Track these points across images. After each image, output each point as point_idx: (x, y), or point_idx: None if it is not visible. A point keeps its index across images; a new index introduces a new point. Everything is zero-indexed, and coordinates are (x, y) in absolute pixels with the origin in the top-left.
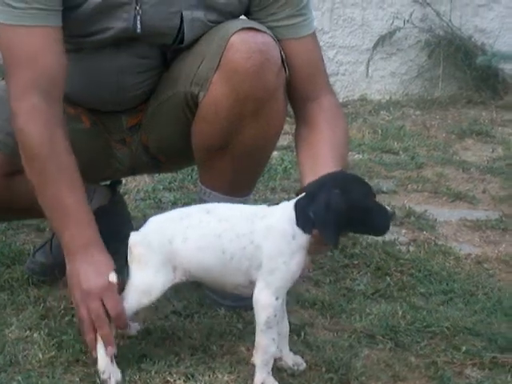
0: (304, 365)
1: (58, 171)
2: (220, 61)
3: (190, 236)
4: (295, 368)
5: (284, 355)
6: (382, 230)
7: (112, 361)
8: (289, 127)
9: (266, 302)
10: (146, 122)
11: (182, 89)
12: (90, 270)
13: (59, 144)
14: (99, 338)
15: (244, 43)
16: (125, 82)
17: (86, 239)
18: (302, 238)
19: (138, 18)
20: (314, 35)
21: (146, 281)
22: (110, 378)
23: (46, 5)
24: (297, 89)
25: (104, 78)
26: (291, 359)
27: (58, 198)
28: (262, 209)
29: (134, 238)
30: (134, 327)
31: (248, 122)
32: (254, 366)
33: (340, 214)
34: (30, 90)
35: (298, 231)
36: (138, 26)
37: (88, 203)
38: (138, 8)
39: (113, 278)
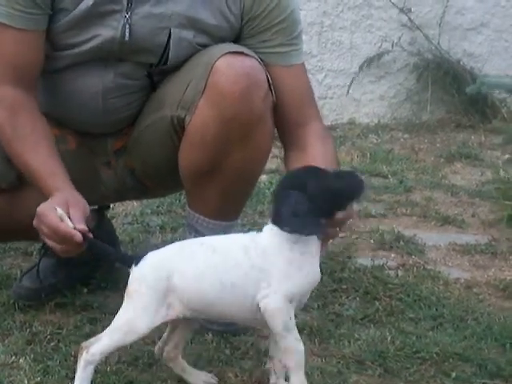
0: None
1: (19, 145)
2: (206, 85)
3: (186, 270)
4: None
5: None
6: (355, 192)
7: None
8: (277, 151)
9: (277, 306)
10: (131, 145)
11: (169, 112)
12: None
13: (21, 126)
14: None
15: (230, 67)
16: (110, 104)
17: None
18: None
19: (127, 26)
20: (303, 66)
21: (133, 320)
22: None
23: (27, 7)
24: (286, 116)
25: (89, 100)
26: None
27: (27, 168)
28: (250, 234)
29: (133, 274)
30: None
31: (235, 146)
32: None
33: (304, 208)
34: (0, 81)
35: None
36: (127, 34)
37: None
38: (127, 16)
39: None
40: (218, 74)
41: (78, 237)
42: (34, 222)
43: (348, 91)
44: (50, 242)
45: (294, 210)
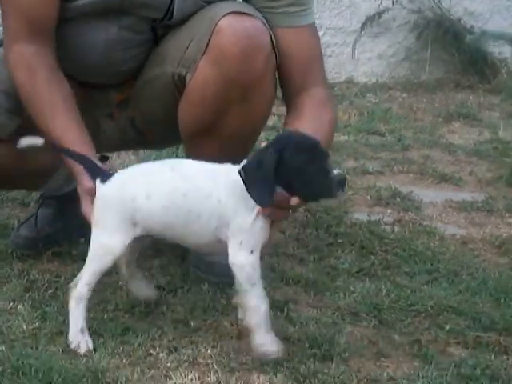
0: None
1: (38, 107)
2: (208, 44)
3: (153, 193)
4: None
5: None
6: (323, 192)
7: (83, 331)
8: (275, 108)
9: (241, 260)
10: (133, 97)
11: (170, 69)
12: None
13: (39, 84)
14: (71, 310)
15: (233, 27)
16: (114, 57)
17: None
18: None
19: None
20: (313, 26)
21: (105, 243)
22: (78, 346)
23: None
24: (291, 79)
25: (93, 52)
26: None
27: (47, 131)
28: (226, 167)
29: (99, 193)
30: (145, 290)
31: (235, 106)
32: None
33: (267, 172)
34: (17, 39)
35: None
36: None
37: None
38: None
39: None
40: (221, 33)
41: None
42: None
43: (353, 50)
44: None
45: (257, 167)
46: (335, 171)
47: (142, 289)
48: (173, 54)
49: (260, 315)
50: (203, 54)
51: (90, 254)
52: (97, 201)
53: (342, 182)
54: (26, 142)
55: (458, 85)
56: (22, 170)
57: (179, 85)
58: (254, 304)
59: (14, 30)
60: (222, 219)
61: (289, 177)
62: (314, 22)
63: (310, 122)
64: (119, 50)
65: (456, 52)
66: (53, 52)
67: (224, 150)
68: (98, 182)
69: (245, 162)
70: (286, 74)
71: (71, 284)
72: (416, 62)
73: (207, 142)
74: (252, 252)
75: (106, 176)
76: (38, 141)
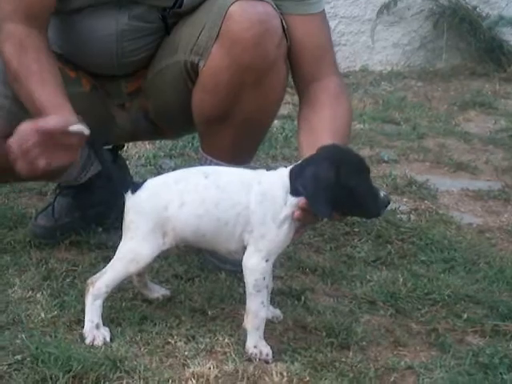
0: (281, 316)
1: (26, 78)
2: (219, 30)
3: (186, 201)
4: (275, 320)
5: None
6: (370, 213)
7: (98, 327)
8: (290, 97)
9: (255, 265)
10: (145, 88)
11: (182, 57)
12: None
13: (29, 63)
14: (87, 306)
15: (244, 13)
16: (125, 47)
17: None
18: (294, 206)
19: None
20: (323, 14)
21: (134, 249)
22: (94, 340)
23: None
24: (302, 69)
25: (104, 42)
26: (271, 312)
27: (33, 103)
28: (259, 174)
29: (129, 202)
30: (158, 290)
31: (248, 92)
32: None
33: (328, 185)
34: (11, 18)
35: (291, 198)
36: None
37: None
38: None
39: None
40: (232, 19)
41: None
42: (13, 140)
43: (372, 38)
44: (45, 153)
45: (317, 175)
46: (382, 193)
47: (155, 291)
48: (184, 42)
49: (257, 321)
50: (215, 40)
51: (116, 256)
52: (128, 210)
53: (387, 204)
54: (75, 127)
55: (474, 73)
56: None
57: (192, 73)
58: (254, 309)
59: (8, 11)
60: (247, 225)
61: (340, 194)
62: (324, 11)
63: (328, 117)
64: (130, 40)
65: (472, 40)
66: (45, 38)
67: (238, 137)
68: (128, 193)
69: (294, 165)
70: (298, 63)
71: (89, 280)
72: (431, 50)
73: (221, 129)
74: (267, 260)
75: (136, 186)
76: (85, 131)
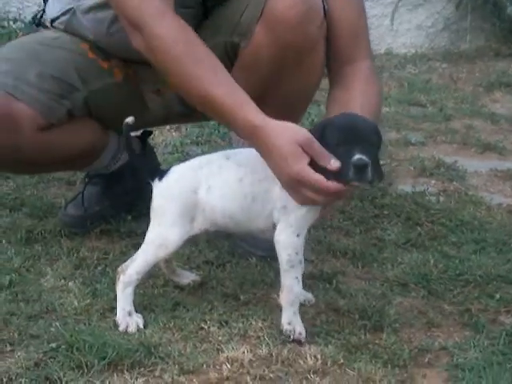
0: (313, 299)
1: (195, 65)
2: (263, 10)
3: (212, 184)
4: (307, 303)
5: None
6: (336, 175)
7: (131, 314)
8: None
9: (287, 240)
10: None
11: (223, 38)
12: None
13: (193, 41)
14: (118, 294)
15: None
16: None
17: (254, 119)
18: None
19: None
20: (361, 0)
21: (162, 234)
22: (127, 327)
23: None
24: (338, 50)
25: None
26: (303, 296)
27: (205, 93)
28: None
29: (157, 188)
30: (187, 275)
31: (288, 71)
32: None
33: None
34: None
35: None
36: None
37: (120, 155)
38: None
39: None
40: None
41: (341, 188)
42: (290, 186)
43: (392, 21)
44: (313, 200)
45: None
46: (357, 156)
47: (185, 277)
48: (226, 23)
49: (292, 295)
50: (258, 19)
51: (145, 243)
52: (156, 196)
53: (358, 168)
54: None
55: (499, 54)
56: (70, 152)
57: (231, 55)
58: (288, 284)
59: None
60: (276, 201)
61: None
62: None
63: (359, 95)
64: None
65: (496, 21)
66: None
67: (275, 117)
68: (155, 180)
69: None
70: (334, 44)
71: (119, 268)
72: (455, 31)
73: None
74: (298, 235)
75: (162, 173)
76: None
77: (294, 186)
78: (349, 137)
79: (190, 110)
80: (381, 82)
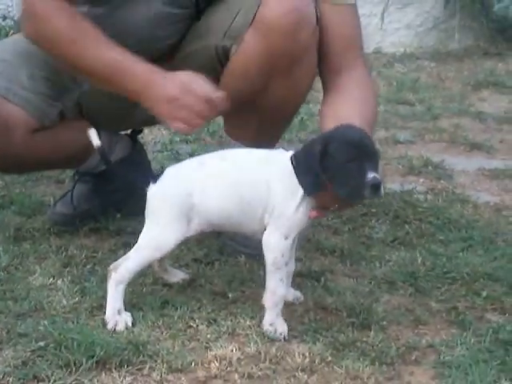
0: (302, 297)
1: (87, 41)
2: (255, 16)
3: (208, 186)
4: (295, 301)
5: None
6: (353, 192)
7: (120, 312)
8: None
9: (274, 243)
10: (173, 71)
11: (214, 41)
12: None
13: (83, 27)
14: (109, 292)
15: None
16: (157, 32)
17: (147, 72)
18: None
19: None
20: (355, 7)
21: (158, 236)
22: (116, 325)
23: None
24: (331, 58)
25: (136, 28)
26: (292, 294)
27: (100, 58)
28: (277, 153)
29: (152, 189)
30: (177, 274)
31: (278, 79)
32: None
33: (314, 158)
34: None
35: None
36: None
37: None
38: None
39: None
40: (268, 5)
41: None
42: (177, 92)
43: (382, 20)
44: (194, 111)
45: (305, 155)
46: (371, 175)
47: (175, 275)
48: (218, 26)
49: (275, 297)
50: (250, 25)
51: (140, 243)
52: (151, 198)
53: (375, 187)
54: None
55: (487, 53)
56: (62, 153)
57: (222, 58)
58: (272, 286)
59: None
60: (268, 205)
61: (331, 170)
62: (356, 4)
63: (356, 104)
64: (162, 26)
65: (484, 20)
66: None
67: (263, 124)
68: (150, 185)
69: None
70: (327, 52)
71: (111, 266)
72: (444, 30)
73: (247, 115)
74: (286, 238)
75: (155, 176)
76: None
77: (177, 100)
78: (359, 153)
79: None
80: (376, 89)
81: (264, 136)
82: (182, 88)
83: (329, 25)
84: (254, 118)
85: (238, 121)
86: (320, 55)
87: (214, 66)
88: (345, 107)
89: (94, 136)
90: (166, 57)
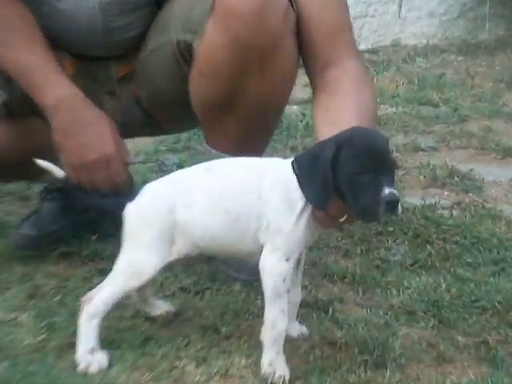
0: (307, 331)
1: (10, 35)
2: (214, 3)
3: (192, 201)
4: (300, 337)
5: (289, 326)
6: (365, 211)
7: (93, 351)
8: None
9: (272, 265)
10: (137, 71)
11: (174, 36)
12: (89, 135)
13: (10, 17)
14: (81, 327)
15: None
16: (110, 22)
17: (61, 94)
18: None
19: None
20: None
21: (136, 261)
22: (88, 367)
23: None
24: (316, 50)
25: (87, 16)
26: (296, 329)
27: (19, 60)
28: (271, 161)
29: (129, 208)
30: (161, 306)
31: (252, 74)
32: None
33: (324, 167)
34: None
35: None
36: None
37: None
38: None
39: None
40: None
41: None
42: (90, 158)
43: (400, 7)
44: (96, 181)
45: (315, 156)
46: (387, 190)
47: (158, 307)
48: (176, 18)
49: (275, 333)
50: (210, 14)
51: (116, 269)
52: (129, 217)
53: (391, 205)
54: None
55: None
56: (21, 152)
57: (186, 54)
58: (272, 318)
59: None
60: (261, 219)
61: (340, 181)
62: None
63: (352, 102)
64: (116, 15)
65: None
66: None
67: (245, 127)
68: (128, 205)
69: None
70: (311, 43)
71: (84, 297)
72: (472, 19)
73: (225, 119)
74: (287, 260)
75: (133, 194)
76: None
77: (91, 166)
78: (374, 164)
79: (152, 118)
80: (373, 84)
81: (248, 142)
82: (99, 157)
83: (309, 10)
84: (233, 124)
85: (216, 129)
86: (303, 47)
87: (180, 65)
88: (340, 108)
89: (51, 167)
90: (131, 53)
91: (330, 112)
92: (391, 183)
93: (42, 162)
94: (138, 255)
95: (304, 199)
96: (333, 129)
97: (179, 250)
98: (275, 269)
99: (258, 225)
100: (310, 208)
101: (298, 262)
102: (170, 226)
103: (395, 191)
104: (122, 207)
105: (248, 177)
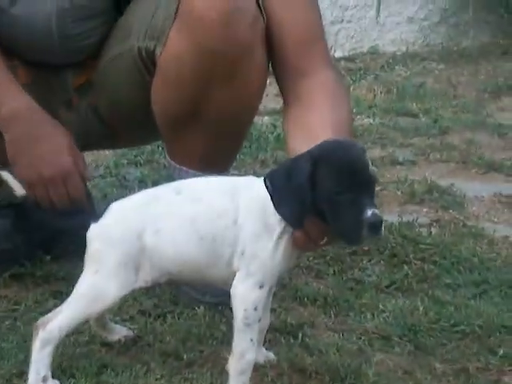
0: (275, 358)
1: None
2: (177, 8)
3: (161, 226)
4: (267, 364)
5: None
6: (345, 233)
7: (45, 380)
8: None
9: (244, 293)
10: (95, 80)
11: (135, 43)
12: (44, 149)
13: None
14: (34, 354)
15: None
16: (67, 29)
17: (15, 105)
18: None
19: None
20: None
21: (99, 285)
22: None
23: None
24: (287, 60)
25: (42, 22)
26: (263, 355)
27: None
28: (245, 180)
29: (93, 230)
30: (119, 330)
31: (218, 85)
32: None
33: (299, 183)
34: None
35: None
36: None
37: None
38: None
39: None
40: None
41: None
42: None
43: (378, 12)
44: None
45: (290, 171)
46: (369, 211)
47: (116, 332)
48: (137, 24)
49: (242, 364)
50: (173, 20)
51: (75, 293)
52: (92, 239)
53: (374, 227)
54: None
55: (507, 52)
56: None
57: (148, 63)
58: (240, 348)
59: None
60: (236, 245)
61: (319, 199)
62: None
63: (324, 115)
64: (73, 22)
65: (504, 12)
66: None
67: (211, 140)
68: (91, 225)
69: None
70: (281, 53)
71: (38, 322)
72: (454, 25)
73: (190, 131)
74: (261, 287)
75: (96, 213)
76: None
77: (47, 181)
78: (353, 181)
79: (112, 129)
80: (349, 94)
81: (214, 157)
82: (55, 171)
83: (279, 18)
84: (198, 137)
85: (180, 142)
86: (274, 56)
87: (142, 74)
88: (314, 122)
89: (13, 183)
90: (89, 62)
91: (304, 127)
92: (372, 202)
93: (5, 174)
94: (101, 280)
95: (282, 223)
96: (306, 146)
97: (146, 276)
98: (247, 296)
99: (232, 250)
100: (288, 232)
101: (270, 289)
102: (137, 251)
103: (377, 211)
104: (84, 227)
105: (221, 200)
